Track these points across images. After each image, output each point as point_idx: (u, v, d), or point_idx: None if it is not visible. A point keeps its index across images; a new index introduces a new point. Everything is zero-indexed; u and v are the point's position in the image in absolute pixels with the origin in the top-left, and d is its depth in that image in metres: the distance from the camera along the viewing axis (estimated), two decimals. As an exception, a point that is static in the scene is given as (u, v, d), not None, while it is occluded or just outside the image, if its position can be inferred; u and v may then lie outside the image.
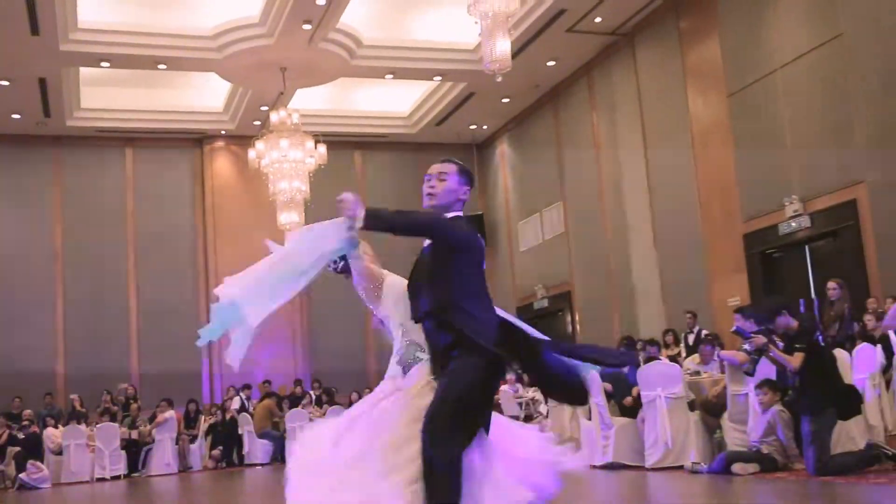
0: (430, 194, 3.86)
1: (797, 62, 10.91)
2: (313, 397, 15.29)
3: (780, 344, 7.31)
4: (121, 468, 13.35)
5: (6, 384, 14.90)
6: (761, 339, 7.32)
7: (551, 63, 15.08)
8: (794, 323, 7.29)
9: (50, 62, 13.84)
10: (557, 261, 16.29)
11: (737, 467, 7.41)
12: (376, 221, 3.55)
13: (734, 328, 8.27)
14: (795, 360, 7.07)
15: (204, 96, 16.49)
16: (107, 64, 14.29)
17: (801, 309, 10.54)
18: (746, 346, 8.05)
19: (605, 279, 14.73)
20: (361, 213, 3.48)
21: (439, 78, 15.70)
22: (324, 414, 14.59)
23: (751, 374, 8.00)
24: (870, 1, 10.01)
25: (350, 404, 14.93)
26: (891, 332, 8.46)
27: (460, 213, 3.87)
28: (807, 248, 11.32)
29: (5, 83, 14.50)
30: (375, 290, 4.13)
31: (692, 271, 12.71)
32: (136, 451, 13.77)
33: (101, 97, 16.07)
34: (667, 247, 13.35)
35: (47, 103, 15.39)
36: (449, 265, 3.72)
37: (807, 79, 10.84)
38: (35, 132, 16.36)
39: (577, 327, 15.76)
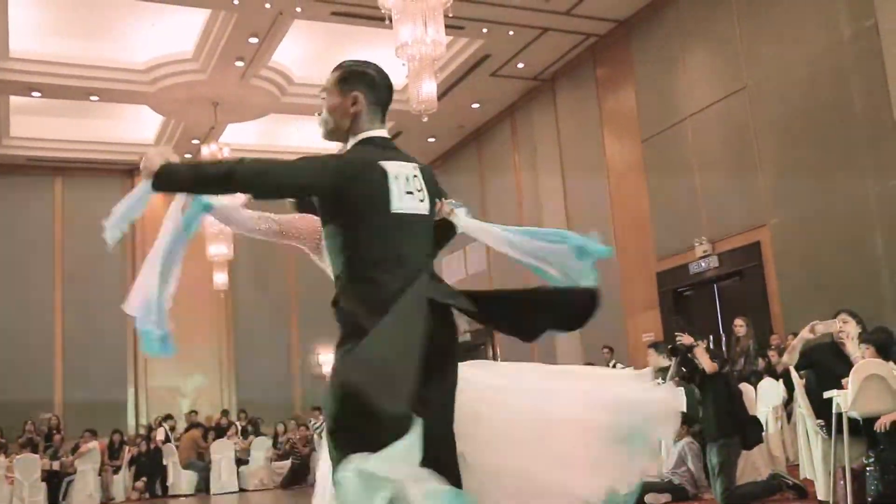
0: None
1: (705, 111, 11.17)
2: (239, 428, 15.01)
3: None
4: (40, 500, 12.70)
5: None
6: (689, 339, 7.38)
7: (476, 105, 15.29)
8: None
9: None
10: (479, 294, 16.37)
11: (650, 497, 7.37)
12: (168, 180, 2.73)
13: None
14: (712, 366, 7.12)
15: (135, 128, 16.31)
16: (38, 94, 14.08)
17: (711, 345, 10.70)
18: (657, 382, 8.09)
19: (525, 314, 14.79)
20: (156, 171, 2.70)
21: (368, 116, 15.73)
22: (249, 445, 14.39)
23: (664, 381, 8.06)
24: (771, 56, 10.30)
25: (276, 435, 14.84)
26: (791, 368, 8.64)
27: (371, 134, 2.90)
28: (715, 286, 11.50)
29: (-69, 110, 14.06)
30: (308, 241, 3.40)
31: (608, 307, 12.52)
32: (57, 483, 13.15)
33: (32, 126, 15.81)
34: (584, 282, 13.49)
35: (-24, 131, 14.95)
36: (327, 227, 2.84)
37: (714, 127, 11.10)
38: (-37, 159, 15.92)
39: (498, 361, 15.74)
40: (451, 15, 8.35)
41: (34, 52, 13.13)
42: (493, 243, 3.27)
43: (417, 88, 8.41)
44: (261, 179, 2.75)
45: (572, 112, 13.91)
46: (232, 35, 12.37)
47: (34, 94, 14.06)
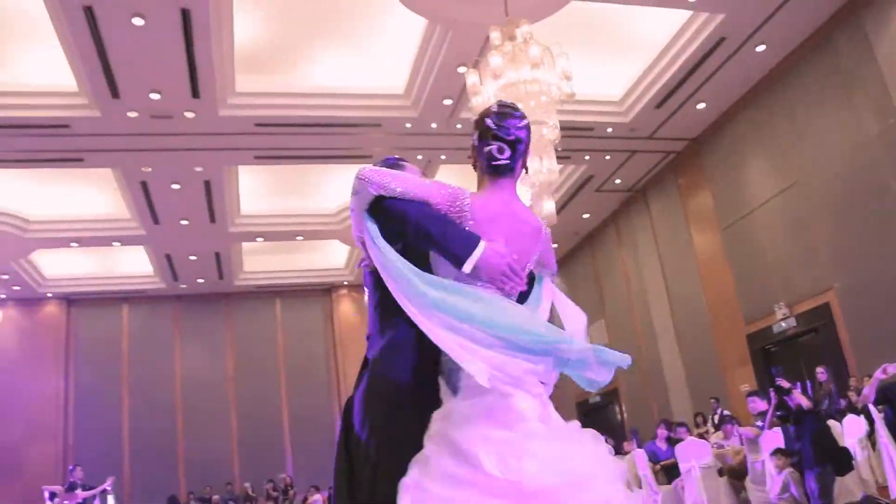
0: None
1: (769, 202, 11.29)
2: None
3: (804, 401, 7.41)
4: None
5: (197, 476, 15.50)
6: (786, 383, 7.37)
7: (586, 215, 15.55)
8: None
9: (222, 241, 14.72)
10: (604, 366, 16.35)
11: (762, 519, 7.41)
12: None
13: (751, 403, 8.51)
14: (808, 403, 7.13)
15: (330, 258, 17.04)
16: (261, 239, 15.07)
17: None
18: (758, 423, 8.17)
19: (643, 377, 14.83)
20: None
21: (503, 231, 16.12)
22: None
23: (762, 429, 8.09)
24: (815, 155, 10.43)
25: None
26: (870, 404, 8.44)
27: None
28: (796, 342, 11.32)
29: (193, 258, 15.44)
30: None
31: (709, 366, 12.81)
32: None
33: (257, 262, 16.73)
34: (687, 347, 13.52)
35: (221, 270, 16.22)
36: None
37: (777, 213, 11.17)
38: (213, 291, 17.16)
39: (625, 416, 15.76)
40: (560, 149, 8.51)
41: (257, 209, 14.15)
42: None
43: (539, 207, 8.44)
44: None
45: (663, 214, 14.13)
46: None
47: (258, 239, 15.06)
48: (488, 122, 2.41)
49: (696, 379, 13.22)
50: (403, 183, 2.26)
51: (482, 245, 2.21)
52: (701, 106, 11.71)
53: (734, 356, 12.25)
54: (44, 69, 9.61)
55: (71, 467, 12.78)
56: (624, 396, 15.87)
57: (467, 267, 2.19)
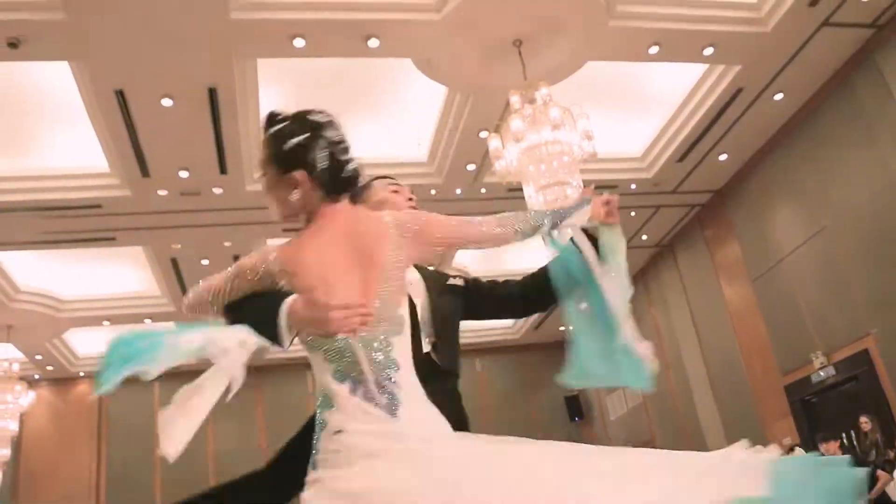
0: None
1: (798, 250, 11.19)
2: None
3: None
4: None
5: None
6: (833, 445, 7.20)
7: None
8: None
9: None
10: (640, 423, 16.26)
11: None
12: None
13: None
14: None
15: None
16: None
17: (844, 442, 10.30)
18: None
19: (679, 431, 14.63)
20: None
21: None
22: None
23: None
24: (840, 199, 10.37)
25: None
26: None
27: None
28: (837, 391, 11.06)
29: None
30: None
31: (748, 420, 12.56)
32: None
33: None
34: (724, 403, 13.29)
35: (252, 347, 16.41)
36: None
37: (808, 261, 11.05)
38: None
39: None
40: None
41: None
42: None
43: None
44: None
45: (691, 267, 14.06)
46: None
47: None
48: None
49: (736, 434, 12.64)
50: (208, 287, 2.12)
51: (283, 306, 1.90)
52: (723, 157, 11.76)
53: (773, 409, 12.02)
54: (76, 151, 9.91)
55: (105, 547, 12.73)
56: (659, 437, 15.57)
57: (284, 342, 1.92)
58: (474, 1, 7.79)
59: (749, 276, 12.32)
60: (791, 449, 10.18)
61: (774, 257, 11.69)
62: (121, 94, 8.55)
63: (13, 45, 7.50)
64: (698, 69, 10.10)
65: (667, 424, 15.25)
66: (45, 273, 13.07)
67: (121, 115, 8.87)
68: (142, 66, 8.15)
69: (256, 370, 17.46)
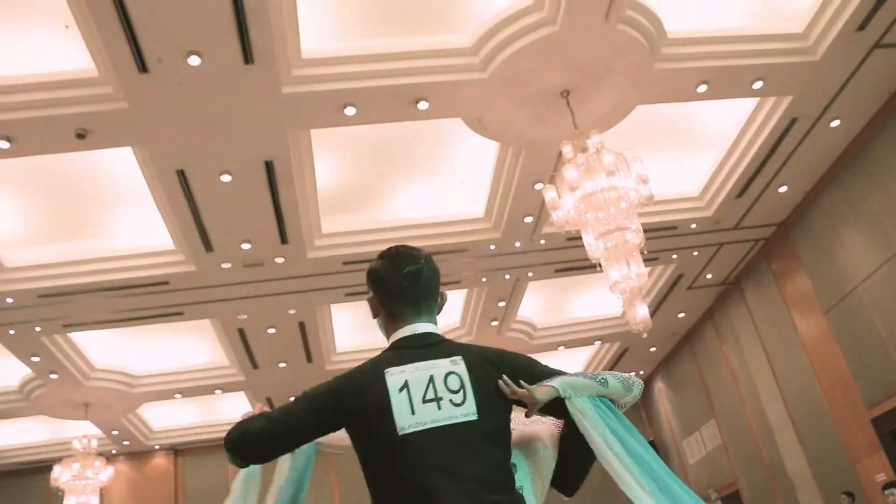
0: None
1: (872, 276, 10.84)
2: None
3: None
4: None
5: None
6: None
7: (681, 314, 15.29)
8: None
9: (320, 380, 14.51)
10: (721, 467, 15.77)
11: None
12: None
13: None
14: None
15: None
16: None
17: None
18: None
19: (764, 475, 14.14)
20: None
21: (598, 342, 16.07)
22: None
23: None
24: None
25: None
26: None
27: (400, 335, 2.06)
28: None
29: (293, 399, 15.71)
30: None
31: (836, 457, 12.09)
32: None
33: None
34: (808, 440, 12.83)
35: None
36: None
37: (884, 286, 10.69)
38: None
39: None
40: (646, 252, 8.45)
41: (352, 345, 14.23)
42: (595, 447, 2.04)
43: (633, 313, 8.32)
44: (244, 443, 1.97)
45: (760, 303, 13.74)
46: (486, 303, 13.27)
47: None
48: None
49: (824, 473, 12.46)
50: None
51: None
52: (783, 189, 11.55)
53: (862, 444, 11.54)
54: (142, 231, 10.26)
55: None
56: (746, 498, 15.04)
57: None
58: (518, 57, 7.88)
59: (822, 307, 11.97)
60: (887, 486, 9.73)
61: (847, 286, 11.36)
62: (182, 174, 8.85)
63: (81, 136, 7.87)
64: (749, 103, 10.00)
65: (749, 466, 14.77)
66: (118, 350, 13.45)
67: (182, 193, 9.17)
68: (200, 147, 8.45)
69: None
